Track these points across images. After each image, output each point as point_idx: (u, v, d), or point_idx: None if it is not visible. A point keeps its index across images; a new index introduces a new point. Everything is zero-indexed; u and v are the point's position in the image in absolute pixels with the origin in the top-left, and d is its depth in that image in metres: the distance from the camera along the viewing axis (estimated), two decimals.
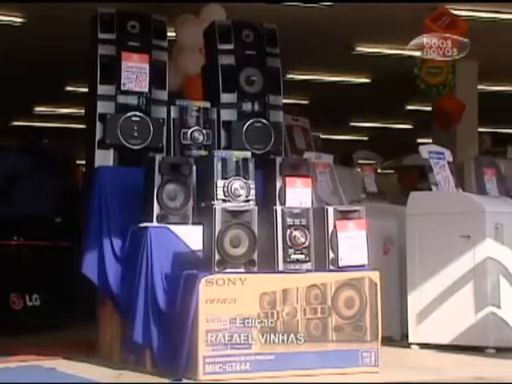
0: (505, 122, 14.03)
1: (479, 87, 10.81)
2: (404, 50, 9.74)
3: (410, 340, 6.07)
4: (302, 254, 4.77)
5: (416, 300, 6.10)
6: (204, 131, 5.51)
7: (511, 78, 11.36)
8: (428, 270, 6.06)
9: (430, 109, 10.64)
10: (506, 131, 14.68)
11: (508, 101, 12.30)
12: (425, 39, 5.55)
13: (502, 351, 5.64)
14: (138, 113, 5.47)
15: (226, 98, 5.74)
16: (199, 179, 5.11)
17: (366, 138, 16.00)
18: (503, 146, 9.55)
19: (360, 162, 7.81)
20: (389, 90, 11.42)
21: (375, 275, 4.81)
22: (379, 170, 8.46)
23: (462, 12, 8.29)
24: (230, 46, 5.79)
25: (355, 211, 5.01)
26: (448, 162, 6.53)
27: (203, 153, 5.47)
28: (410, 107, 13.29)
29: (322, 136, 9.52)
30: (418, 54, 9.10)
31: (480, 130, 11.12)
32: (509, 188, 7.29)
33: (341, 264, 4.83)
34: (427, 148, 6.54)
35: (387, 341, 5.77)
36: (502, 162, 8.73)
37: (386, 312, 5.62)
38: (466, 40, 5.63)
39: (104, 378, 4.60)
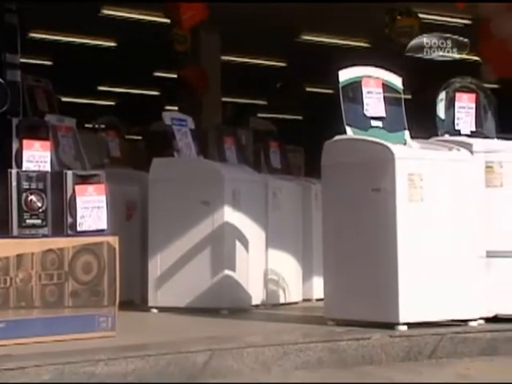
0: (247, 93, 14.57)
1: (223, 57, 11.11)
2: (153, 15, 9.81)
3: (150, 304, 6.15)
4: (38, 218, 4.64)
5: (156, 265, 6.18)
6: None
7: (253, 49, 11.80)
8: (169, 235, 6.16)
9: (176, 76, 10.78)
10: (249, 101, 15.26)
11: (251, 72, 12.78)
12: (425, 39, 5.56)
13: (236, 312, 5.90)
14: None
15: None
16: None
17: (113, 103, 15.88)
18: (245, 116, 9.92)
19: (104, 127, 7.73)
20: (136, 56, 11.41)
21: (114, 240, 4.80)
22: (126, 136, 8.44)
23: None
24: None
25: (95, 176, 4.95)
26: (190, 130, 6.65)
27: None
28: (157, 74, 13.37)
29: (70, 100, 9.33)
30: (167, 20, 9.22)
31: (224, 99, 11.46)
32: (247, 157, 7.61)
33: (79, 229, 4.76)
34: (170, 115, 6.62)
35: (128, 305, 5.82)
36: (244, 131, 9.07)
37: (128, 277, 5.64)
38: (466, 40, 5.72)
39: None
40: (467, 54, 5.72)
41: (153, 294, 6.15)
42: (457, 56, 5.66)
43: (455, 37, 5.71)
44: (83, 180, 4.87)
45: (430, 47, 5.60)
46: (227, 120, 10.63)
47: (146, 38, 9.88)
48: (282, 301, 6.58)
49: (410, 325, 4.79)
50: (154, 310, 6.12)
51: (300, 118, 16.21)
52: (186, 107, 9.94)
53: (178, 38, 9.38)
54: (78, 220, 4.75)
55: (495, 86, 9.62)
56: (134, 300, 6.46)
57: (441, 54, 5.60)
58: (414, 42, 5.64)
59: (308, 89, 14.77)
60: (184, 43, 9.44)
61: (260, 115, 14.11)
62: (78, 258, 4.66)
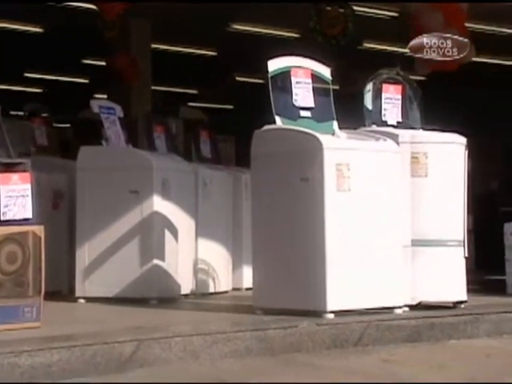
0: (178, 81, 14.48)
1: (153, 45, 11.02)
2: (81, 1, 9.63)
3: (77, 294, 6.08)
4: None
5: (84, 254, 6.11)
6: None
7: (184, 38, 11.72)
8: (97, 224, 6.09)
9: (105, 64, 10.65)
10: (180, 90, 15.17)
11: (181, 61, 12.69)
12: (425, 39, 5.48)
13: (165, 302, 5.88)
14: None
15: None
16: None
17: (41, 91, 15.59)
18: (176, 105, 9.86)
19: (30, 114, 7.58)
20: (64, 42, 11.21)
21: (40, 229, 4.71)
22: (54, 124, 8.29)
23: None
24: None
25: (20, 164, 4.87)
26: (119, 118, 6.58)
27: None
28: (86, 61, 13.18)
29: None
30: (94, 6, 9.08)
31: (154, 88, 11.36)
32: (177, 146, 7.57)
33: (3, 218, 4.65)
34: (98, 103, 6.54)
35: (55, 296, 5.74)
36: (174, 120, 9.01)
37: (55, 267, 5.57)
38: (466, 40, 5.65)
39: None
40: (400, 47, 5.78)
41: (80, 285, 6.08)
42: (457, 56, 5.69)
43: (455, 37, 5.74)
44: (7, 168, 4.77)
45: (430, 47, 5.62)
46: (157, 109, 10.55)
47: (74, 24, 9.72)
48: (211, 290, 6.58)
49: (336, 313, 4.85)
50: (82, 301, 6.05)
51: (231, 107, 16.19)
52: (115, 95, 9.83)
53: (106, 25, 9.25)
54: (2, 209, 4.65)
55: (421, 78, 9.77)
56: (62, 290, 6.38)
57: (441, 53, 5.63)
58: (414, 41, 5.65)
59: (238, 78, 14.76)
60: (112, 30, 9.32)
61: (191, 104, 14.06)
62: (2, 248, 4.57)
